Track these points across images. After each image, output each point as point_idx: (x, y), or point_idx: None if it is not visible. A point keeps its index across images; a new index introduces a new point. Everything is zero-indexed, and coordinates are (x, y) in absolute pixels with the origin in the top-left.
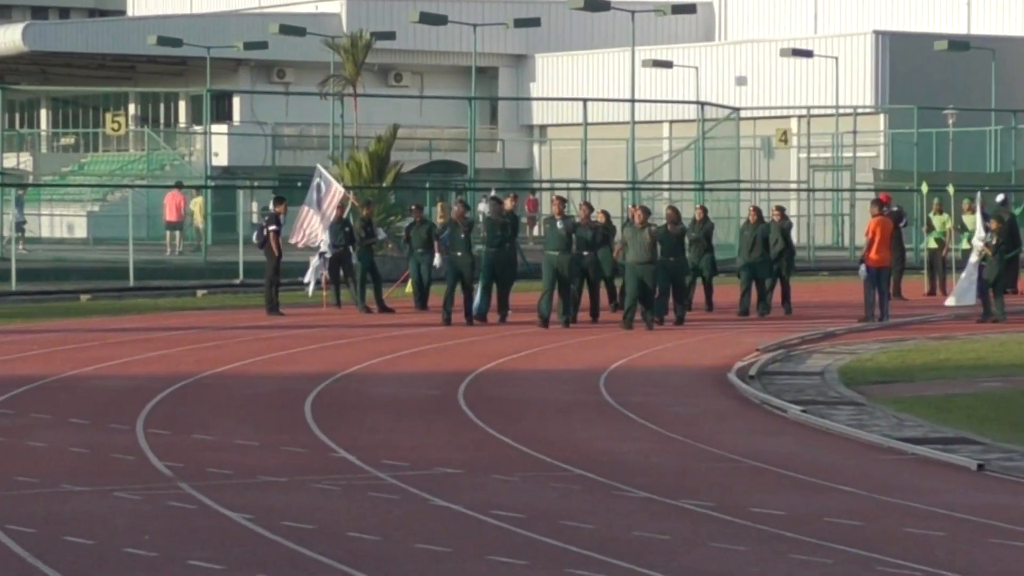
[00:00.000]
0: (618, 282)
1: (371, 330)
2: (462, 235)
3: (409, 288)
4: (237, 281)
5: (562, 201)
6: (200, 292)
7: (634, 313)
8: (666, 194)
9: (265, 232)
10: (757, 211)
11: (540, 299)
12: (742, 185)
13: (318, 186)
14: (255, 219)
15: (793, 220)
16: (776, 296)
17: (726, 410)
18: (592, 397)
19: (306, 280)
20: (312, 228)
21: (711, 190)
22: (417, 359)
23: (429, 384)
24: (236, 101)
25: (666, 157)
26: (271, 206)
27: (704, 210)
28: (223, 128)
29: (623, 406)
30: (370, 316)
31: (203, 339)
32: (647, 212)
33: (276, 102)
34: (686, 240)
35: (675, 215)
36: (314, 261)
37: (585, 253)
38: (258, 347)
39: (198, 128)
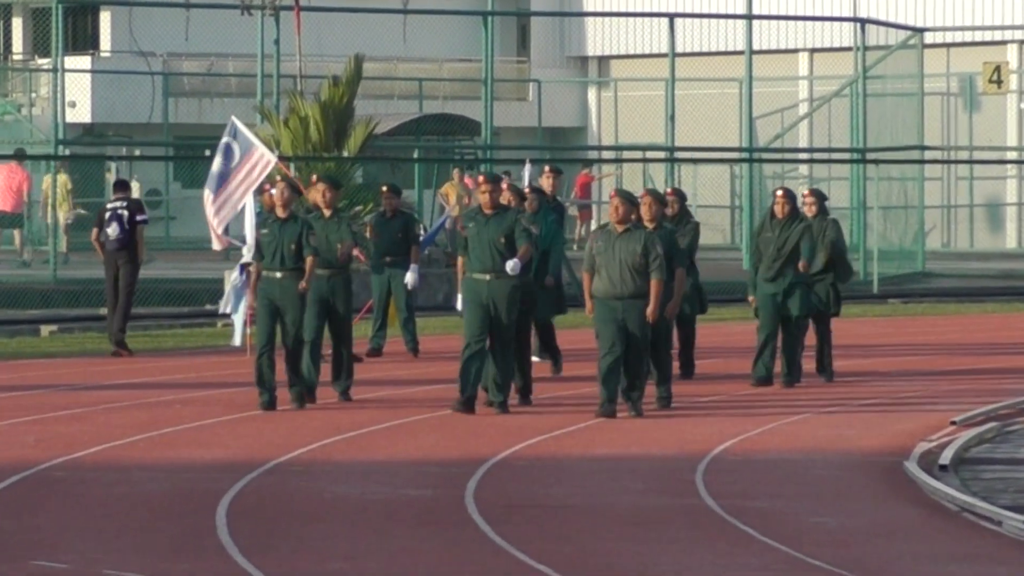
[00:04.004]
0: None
1: (320, 391)
2: (292, 242)
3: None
4: (105, 311)
5: (494, 182)
6: (47, 328)
7: (615, 389)
8: (803, 168)
9: (126, 224)
10: (788, 196)
11: (463, 358)
12: (928, 154)
13: (227, 148)
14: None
15: (1012, 209)
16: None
17: (903, 522)
18: (684, 501)
19: (223, 310)
20: (222, 220)
21: (877, 162)
22: (397, 438)
23: (418, 479)
24: (105, 19)
25: (804, 109)
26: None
27: (680, 197)
28: (84, 63)
29: (735, 516)
30: (321, 367)
31: (52, 405)
32: (660, 201)
33: (170, 21)
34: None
35: (657, 206)
36: (233, 279)
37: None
38: (141, 419)
39: (43, 62)
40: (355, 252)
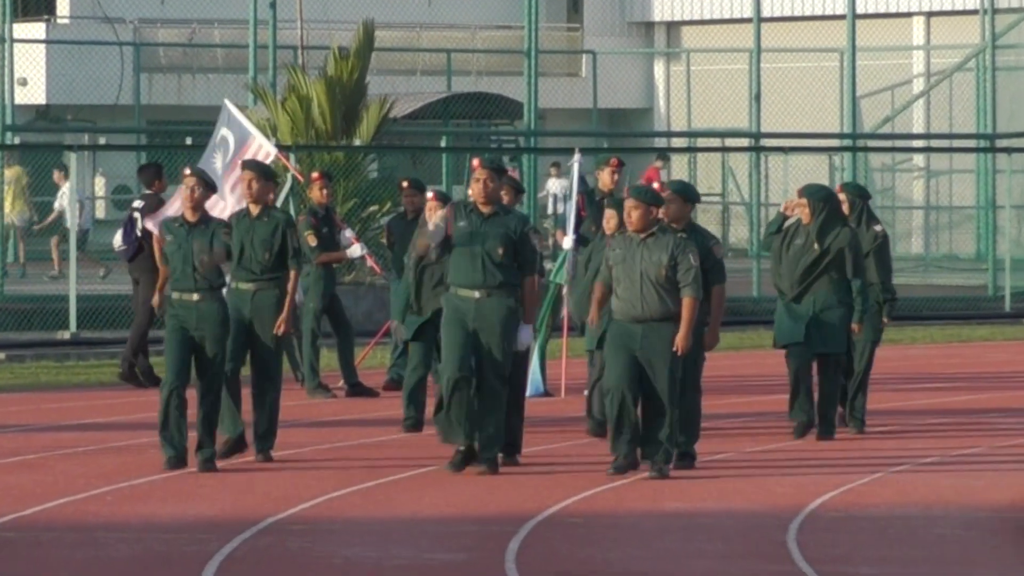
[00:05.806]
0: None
1: (329, 432)
2: (204, 252)
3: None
4: (66, 335)
5: (493, 170)
6: None
7: (631, 439)
8: (917, 158)
9: (138, 231)
10: (814, 195)
11: (439, 400)
12: None
13: (221, 141)
14: (104, 209)
15: None
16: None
17: None
18: (774, 567)
19: None
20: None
21: (1010, 150)
22: (423, 490)
23: (448, 540)
24: None
25: (919, 86)
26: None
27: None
28: (38, 31)
29: None
30: (329, 403)
31: (0, 451)
32: (690, 199)
33: None
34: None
35: (679, 203)
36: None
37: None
38: (107, 467)
39: None
40: (370, 262)
